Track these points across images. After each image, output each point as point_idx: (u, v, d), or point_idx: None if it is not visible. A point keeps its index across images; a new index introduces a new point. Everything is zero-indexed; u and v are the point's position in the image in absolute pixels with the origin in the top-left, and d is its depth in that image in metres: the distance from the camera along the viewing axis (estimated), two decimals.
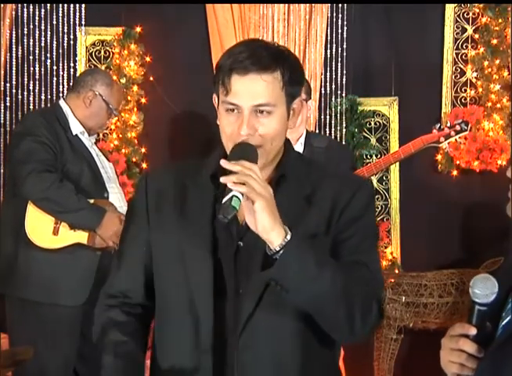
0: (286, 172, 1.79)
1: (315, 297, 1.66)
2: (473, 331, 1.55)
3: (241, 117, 1.72)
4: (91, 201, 3.47)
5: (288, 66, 1.75)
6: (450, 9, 4.84)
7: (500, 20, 4.72)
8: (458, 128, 4.16)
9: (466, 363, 1.55)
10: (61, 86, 4.74)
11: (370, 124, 4.91)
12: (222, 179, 1.62)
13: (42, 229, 3.43)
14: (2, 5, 4.60)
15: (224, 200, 1.60)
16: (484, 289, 1.54)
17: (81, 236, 3.45)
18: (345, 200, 1.78)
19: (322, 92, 4.82)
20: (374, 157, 4.81)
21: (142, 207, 1.85)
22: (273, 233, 1.62)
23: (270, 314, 1.72)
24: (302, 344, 1.75)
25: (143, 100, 4.82)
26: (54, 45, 4.74)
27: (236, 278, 1.74)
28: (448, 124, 4.20)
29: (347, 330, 1.72)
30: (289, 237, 1.63)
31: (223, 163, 1.63)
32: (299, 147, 3.49)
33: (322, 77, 4.82)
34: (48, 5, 4.73)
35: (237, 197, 1.60)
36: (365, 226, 1.80)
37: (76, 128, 3.59)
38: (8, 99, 4.71)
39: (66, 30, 4.75)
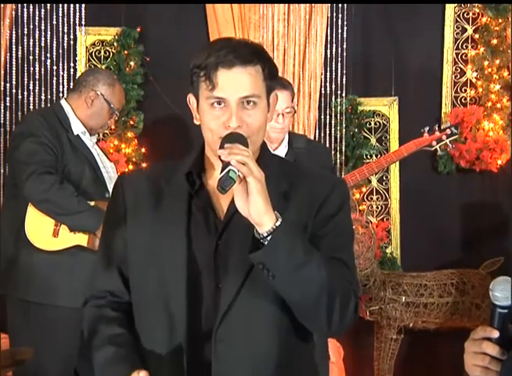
0: (265, 169, 1.79)
1: (300, 283, 1.69)
2: (495, 334, 1.56)
3: (228, 110, 1.76)
4: (92, 203, 3.46)
5: (266, 60, 1.81)
6: (450, 8, 4.85)
7: (500, 20, 4.73)
8: (448, 131, 4.20)
9: (490, 366, 1.56)
10: (61, 86, 4.74)
11: (370, 124, 4.92)
12: (222, 152, 1.66)
13: (42, 230, 3.43)
14: (2, 5, 4.60)
15: (221, 174, 1.64)
16: (504, 291, 1.55)
17: (81, 239, 3.45)
18: (322, 197, 1.82)
19: (322, 92, 4.82)
20: (374, 157, 4.81)
21: (120, 208, 1.88)
22: (265, 217, 1.65)
23: (247, 308, 1.75)
24: (279, 337, 1.77)
25: (143, 100, 4.82)
26: (54, 45, 4.74)
27: (216, 273, 1.77)
28: (437, 128, 4.22)
29: (324, 322, 1.74)
30: (279, 222, 1.66)
31: (221, 152, 1.67)
32: (283, 149, 3.50)
33: (322, 77, 4.82)
34: (48, 5, 4.72)
35: (234, 170, 1.64)
36: (341, 223, 1.83)
37: (77, 128, 3.58)
38: (8, 99, 4.71)
39: (66, 30, 4.75)
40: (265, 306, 1.75)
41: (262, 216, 1.65)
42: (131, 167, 4.76)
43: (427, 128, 4.19)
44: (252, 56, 1.77)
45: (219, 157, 1.68)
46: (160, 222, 1.81)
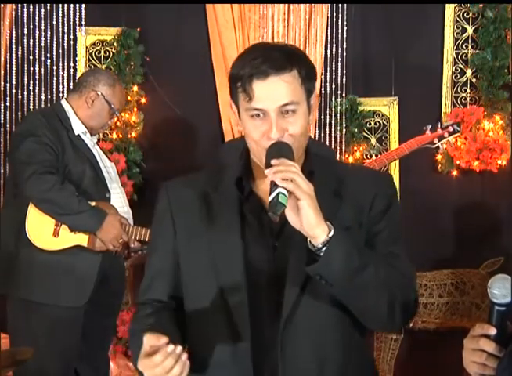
0: (314, 169, 1.82)
1: (358, 289, 1.70)
2: (493, 331, 1.58)
3: (268, 120, 1.74)
4: (93, 204, 3.46)
5: (302, 63, 1.79)
6: (450, 8, 4.84)
7: (500, 20, 4.72)
8: (450, 129, 4.20)
9: (487, 363, 1.58)
10: (61, 86, 4.74)
11: (370, 124, 4.91)
12: (268, 172, 1.64)
13: (43, 230, 3.43)
14: (2, 5, 4.60)
15: (270, 197, 1.62)
16: (502, 289, 1.56)
17: (82, 239, 3.45)
18: (372, 193, 1.83)
19: (322, 92, 4.82)
20: (374, 157, 4.81)
21: (167, 215, 1.86)
22: (318, 230, 1.65)
23: (311, 308, 1.75)
24: (343, 334, 1.79)
25: (143, 100, 4.82)
26: (54, 45, 4.74)
27: (277, 276, 1.76)
28: (439, 125, 4.22)
29: (388, 321, 1.76)
30: (332, 233, 1.65)
31: (267, 172, 1.65)
32: None
33: (322, 77, 4.82)
34: (48, 5, 4.72)
35: (283, 193, 1.62)
36: (393, 218, 1.86)
37: (78, 127, 3.58)
38: (8, 99, 4.71)
39: (66, 30, 4.75)
40: (327, 306, 1.76)
41: (315, 229, 1.64)
42: (131, 167, 4.76)
43: (429, 126, 4.19)
44: (286, 63, 1.74)
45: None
46: (212, 229, 1.80)
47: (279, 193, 1.61)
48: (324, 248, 1.65)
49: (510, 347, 1.54)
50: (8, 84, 4.71)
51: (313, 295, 1.74)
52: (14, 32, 4.72)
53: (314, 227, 1.64)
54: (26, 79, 4.73)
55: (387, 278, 1.72)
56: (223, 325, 1.76)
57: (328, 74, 4.82)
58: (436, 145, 4.21)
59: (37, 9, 4.73)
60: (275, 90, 1.73)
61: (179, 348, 1.60)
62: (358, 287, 1.69)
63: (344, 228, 1.73)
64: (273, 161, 1.65)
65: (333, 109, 4.84)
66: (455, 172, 4.81)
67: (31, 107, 4.71)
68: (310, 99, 1.81)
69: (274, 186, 1.62)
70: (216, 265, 1.77)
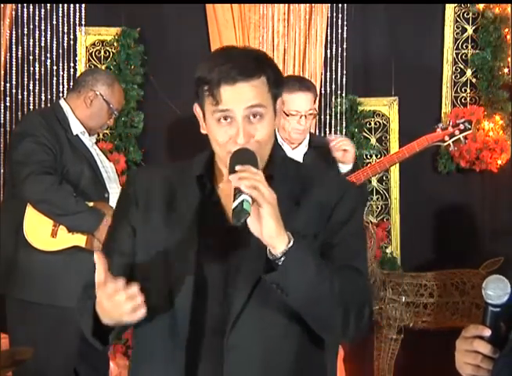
0: (274, 173, 1.79)
1: (313, 301, 1.69)
2: (487, 332, 1.56)
3: (235, 125, 1.73)
4: (91, 204, 3.46)
5: (271, 69, 1.78)
6: (450, 8, 4.85)
7: (500, 20, 4.73)
8: (462, 127, 4.17)
9: (481, 365, 1.56)
10: (61, 86, 4.74)
11: (370, 124, 4.91)
12: (233, 178, 1.62)
13: (40, 231, 3.42)
14: (2, 5, 4.60)
15: (234, 204, 1.61)
16: (496, 290, 1.55)
17: (80, 239, 3.44)
18: (332, 203, 1.80)
19: (322, 92, 4.82)
20: (374, 157, 4.81)
21: (130, 201, 1.85)
22: (278, 239, 1.64)
23: (259, 314, 1.73)
24: (291, 343, 1.77)
25: (143, 100, 4.82)
26: (54, 45, 4.74)
27: (226, 278, 1.75)
28: (451, 123, 4.21)
29: (340, 332, 1.76)
30: (291, 244, 1.64)
31: (231, 177, 1.63)
32: (303, 149, 3.54)
33: (322, 77, 4.82)
34: (48, 5, 4.72)
35: (247, 200, 1.60)
36: (354, 230, 1.82)
37: (76, 128, 3.58)
38: (8, 99, 4.71)
39: (66, 30, 4.75)
40: (276, 312, 1.74)
41: (274, 239, 1.63)
42: (131, 167, 4.76)
43: (440, 124, 4.17)
44: (255, 70, 1.74)
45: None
46: (171, 223, 1.79)
47: (243, 201, 1.60)
48: (282, 258, 1.64)
49: (506, 348, 1.53)
50: (8, 84, 4.71)
51: (261, 301, 1.73)
52: (14, 32, 4.72)
53: (274, 237, 1.63)
54: (26, 79, 4.73)
55: (343, 292, 1.70)
56: (165, 325, 1.75)
57: (328, 74, 4.82)
58: (447, 143, 4.18)
59: (37, 9, 4.73)
60: (242, 93, 1.72)
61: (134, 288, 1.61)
62: (313, 298, 1.68)
63: (299, 236, 1.70)
64: (238, 167, 1.64)
65: (333, 109, 4.85)
66: (455, 172, 4.82)
67: (31, 107, 4.71)
68: (276, 104, 1.81)
69: (238, 192, 1.61)
70: (169, 260, 1.76)
